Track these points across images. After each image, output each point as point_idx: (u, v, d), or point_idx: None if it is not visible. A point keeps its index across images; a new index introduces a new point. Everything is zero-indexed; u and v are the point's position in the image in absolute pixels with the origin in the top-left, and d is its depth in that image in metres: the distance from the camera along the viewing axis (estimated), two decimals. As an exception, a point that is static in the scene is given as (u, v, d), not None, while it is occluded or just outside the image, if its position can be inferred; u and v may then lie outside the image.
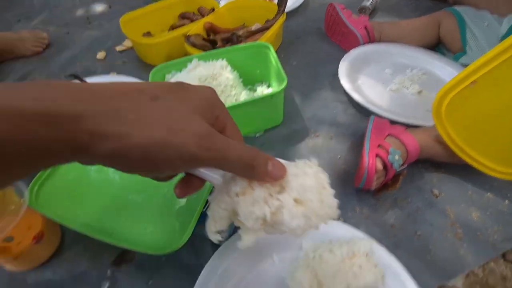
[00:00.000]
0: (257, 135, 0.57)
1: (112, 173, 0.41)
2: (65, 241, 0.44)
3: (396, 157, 0.42)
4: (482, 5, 0.58)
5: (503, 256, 0.39)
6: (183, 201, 0.36)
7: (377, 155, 0.42)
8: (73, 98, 0.17)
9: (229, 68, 0.58)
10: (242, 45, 0.60)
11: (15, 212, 0.36)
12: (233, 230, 0.40)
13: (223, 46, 0.74)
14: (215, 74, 0.55)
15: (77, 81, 0.60)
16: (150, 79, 0.54)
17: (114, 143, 0.17)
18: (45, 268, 0.42)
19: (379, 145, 0.44)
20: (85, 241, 0.35)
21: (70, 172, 0.42)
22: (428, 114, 0.57)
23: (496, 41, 0.54)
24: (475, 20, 0.59)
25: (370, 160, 0.41)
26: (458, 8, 0.64)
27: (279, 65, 0.54)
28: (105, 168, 0.40)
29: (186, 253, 0.41)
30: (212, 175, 0.23)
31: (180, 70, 0.56)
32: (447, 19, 0.64)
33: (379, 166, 0.41)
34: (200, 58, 0.58)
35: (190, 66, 0.56)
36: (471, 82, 0.31)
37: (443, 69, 0.65)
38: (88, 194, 0.40)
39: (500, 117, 0.34)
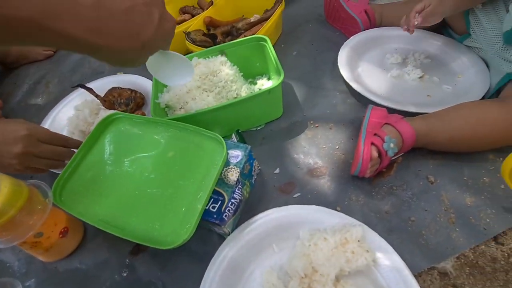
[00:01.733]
0: (258, 128, 0.59)
1: (125, 174, 0.44)
2: (87, 235, 0.49)
3: (391, 145, 0.43)
4: None
5: (495, 239, 0.41)
6: (187, 199, 0.40)
7: (372, 143, 0.43)
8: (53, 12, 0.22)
9: (228, 63, 0.59)
10: (239, 39, 0.61)
11: (42, 211, 0.41)
12: (236, 224, 0.44)
13: (223, 39, 0.75)
14: (215, 70, 0.57)
15: (83, 90, 0.63)
16: (153, 85, 0.57)
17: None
18: (72, 258, 0.47)
19: (375, 134, 0.45)
20: (105, 234, 0.39)
21: (88, 172, 0.46)
22: (428, 100, 0.57)
23: (499, 25, 0.52)
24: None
25: (365, 148, 0.43)
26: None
27: (276, 58, 0.55)
28: (119, 169, 0.45)
29: (196, 244, 0.45)
30: (152, 68, 0.38)
31: (181, 70, 0.58)
32: None
33: (374, 153, 0.43)
34: (199, 56, 0.59)
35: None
36: None
37: (446, 52, 0.64)
38: (104, 192, 0.44)
39: None
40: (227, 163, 0.44)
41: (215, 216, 0.40)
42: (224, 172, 0.43)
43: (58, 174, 0.45)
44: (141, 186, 0.43)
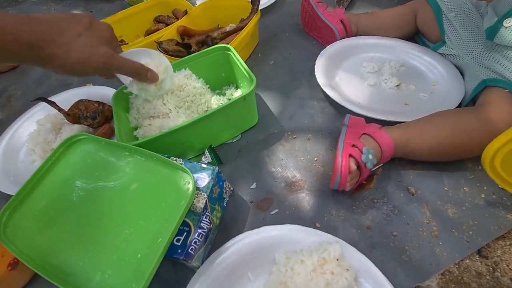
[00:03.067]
0: (235, 140, 0.56)
1: (80, 206, 0.40)
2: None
3: (370, 156, 0.41)
4: None
5: (479, 252, 0.39)
6: (145, 243, 0.35)
7: (350, 155, 0.41)
8: (35, 32, 0.33)
9: (193, 76, 0.57)
10: (202, 51, 0.59)
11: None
12: (207, 255, 0.40)
13: (198, 49, 0.72)
14: (181, 85, 0.54)
15: (45, 104, 0.59)
16: (113, 101, 0.54)
17: (58, 61, 0.35)
18: (23, 293, 0.42)
19: (353, 145, 0.43)
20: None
21: (41, 200, 0.40)
22: (406, 108, 0.57)
23: (476, 31, 0.52)
24: (452, 7, 0.57)
25: (343, 161, 0.41)
26: (433, -5, 0.62)
27: (244, 65, 0.53)
28: (75, 200, 0.40)
29: (166, 271, 0.41)
30: (125, 78, 0.47)
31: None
32: (423, 8, 0.62)
33: (353, 166, 0.41)
34: None
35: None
36: None
37: (421, 60, 0.64)
38: (54, 227, 0.38)
39: None
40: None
41: (179, 251, 0.36)
42: (190, 197, 0.39)
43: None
44: (97, 222, 0.38)
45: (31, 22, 0.33)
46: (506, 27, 0.45)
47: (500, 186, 0.39)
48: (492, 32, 0.47)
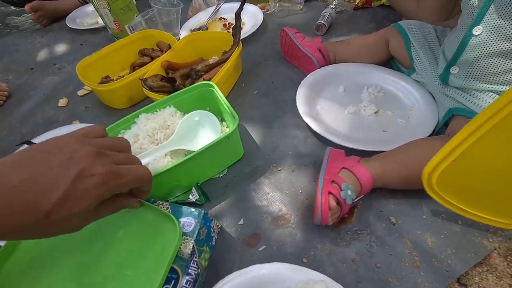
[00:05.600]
0: (221, 175, 0.58)
1: (65, 257, 0.40)
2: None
3: (349, 192, 0.43)
4: (421, 16, 0.59)
5: (458, 280, 0.41)
6: None
7: (329, 192, 0.43)
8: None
9: (178, 113, 0.58)
10: (186, 88, 0.61)
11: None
12: None
13: (183, 83, 0.74)
14: (166, 123, 0.55)
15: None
16: None
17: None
18: None
19: (332, 181, 0.45)
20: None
21: (29, 253, 0.40)
22: (384, 135, 0.59)
23: (435, 63, 0.55)
24: (418, 37, 0.61)
25: (323, 198, 0.42)
26: (403, 23, 0.66)
27: (227, 103, 0.55)
28: (59, 250, 0.40)
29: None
30: None
31: (129, 128, 0.56)
32: (394, 36, 0.66)
33: (332, 203, 0.42)
34: (147, 111, 0.58)
35: (138, 121, 0.56)
36: (452, 161, 0.34)
37: (397, 85, 0.67)
38: (38, 281, 0.38)
39: (493, 181, 0.36)
40: (179, 233, 0.41)
41: None
42: (176, 244, 0.40)
43: None
44: (81, 274, 0.38)
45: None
46: (454, 74, 0.48)
47: (446, 206, 0.40)
48: (444, 78, 0.51)
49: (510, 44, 0.41)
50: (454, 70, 0.48)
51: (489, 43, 0.42)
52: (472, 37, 0.44)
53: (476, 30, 0.43)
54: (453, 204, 0.39)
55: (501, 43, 0.41)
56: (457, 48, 0.46)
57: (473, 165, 0.34)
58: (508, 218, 0.39)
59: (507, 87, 0.45)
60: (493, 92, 0.47)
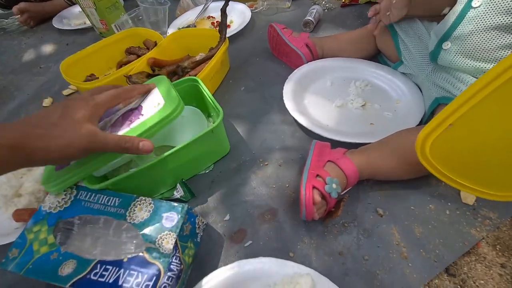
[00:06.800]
0: (207, 171, 0.56)
1: None
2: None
3: (334, 185, 0.42)
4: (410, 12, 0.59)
5: (446, 270, 0.40)
6: None
7: (314, 187, 0.42)
8: (13, 133, 0.33)
9: None
10: (172, 83, 0.59)
11: None
12: None
13: (169, 80, 0.73)
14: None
15: None
16: None
17: (39, 153, 0.34)
18: None
19: (317, 175, 0.44)
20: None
21: None
22: (371, 128, 0.58)
23: (426, 52, 0.55)
24: (406, 29, 0.61)
25: (307, 193, 0.41)
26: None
27: (211, 97, 0.54)
28: None
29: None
30: None
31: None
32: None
33: (317, 198, 0.41)
34: None
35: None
36: (448, 125, 0.32)
37: (384, 79, 0.67)
38: None
39: (487, 150, 0.34)
40: (161, 229, 0.40)
41: None
42: (158, 240, 0.39)
43: None
44: None
45: (5, 128, 0.33)
46: (445, 50, 0.48)
47: (437, 176, 0.37)
48: (434, 55, 0.50)
49: (507, 17, 0.41)
50: (446, 45, 0.48)
51: (487, 16, 0.42)
52: (471, 10, 0.43)
53: (476, 3, 0.43)
54: (444, 174, 0.37)
55: (498, 16, 0.41)
56: (453, 21, 0.45)
57: (469, 132, 0.32)
58: (502, 189, 0.36)
59: (496, 60, 0.45)
60: (480, 72, 0.47)
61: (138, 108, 0.49)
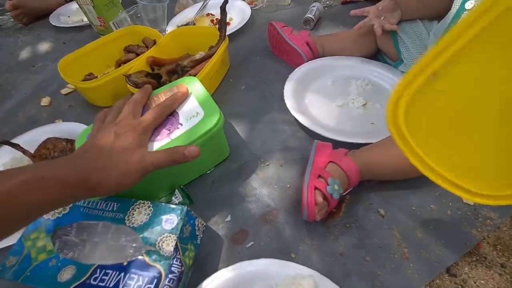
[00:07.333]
0: (208, 171, 0.56)
1: None
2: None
3: (336, 186, 0.42)
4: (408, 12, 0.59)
5: (447, 271, 0.40)
6: None
7: (316, 188, 0.42)
8: (76, 169, 0.35)
9: None
10: (168, 84, 0.59)
11: None
12: None
13: (169, 79, 0.72)
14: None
15: (8, 146, 0.57)
16: (77, 144, 0.52)
17: (103, 187, 0.36)
18: None
19: (319, 176, 0.44)
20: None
21: None
22: (373, 128, 0.58)
23: (424, 50, 0.55)
24: (405, 28, 0.60)
25: (308, 194, 0.41)
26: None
27: (210, 97, 0.53)
28: None
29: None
30: None
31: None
32: (381, 29, 0.65)
33: (319, 199, 0.41)
34: None
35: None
36: (431, 75, 0.23)
37: (385, 78, 0.66)
38: None
39: (479, 116, 0.24)
40: (161, 231, 0.40)
41: None
42: (158, 243, 0.38)
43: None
44: None
45: (68, 163, 0.35)
46: None
47: (409, 157, 0.28)
48: None
49: None
50: None
51: None
52: (464, 12, 0.44)
53: (468, 5, 0.43)
54: (419, 157, 0.28)
55: None
56: (449, 23, 0.46)
57: (457, 87, 0.24)
58: (491, 180, 0.26)
59: None
60: None
61: (174, 115, 0.49)
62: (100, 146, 0.38)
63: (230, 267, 0.41)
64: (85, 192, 0.35)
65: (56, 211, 0.44)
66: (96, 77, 0.77)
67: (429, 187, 0.48)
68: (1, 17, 1.28)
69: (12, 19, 1.21)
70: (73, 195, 0.34)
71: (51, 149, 0.60)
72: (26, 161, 0.60)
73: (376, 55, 0.72)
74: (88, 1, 0.89)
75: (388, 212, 0.46)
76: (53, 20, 1.12)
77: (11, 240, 0.48)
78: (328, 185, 0.42)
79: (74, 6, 1.19)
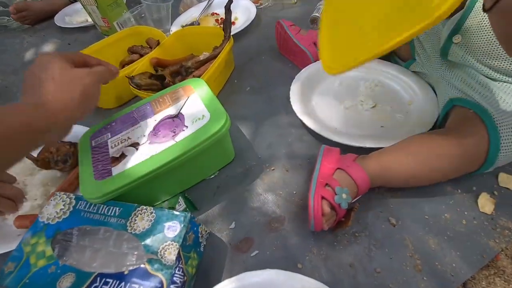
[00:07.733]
0: (212, 176, 0.55)
1: None
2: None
3: (344, 195, 0.40)
4: None
5: (464, 285, 0.38)
6: None
7: (323, 197, 0.40)
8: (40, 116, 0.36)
9: None
10: (175, 85, 0.57)
11: None
12: None
13: (173, 80, 0.71)
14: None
15: None
16: (79, 147, 0.51)
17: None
18: None
19: (326, 184, 0.42)
20: None
21: None
22: (382, 131, 0.56)
23: (439, 46, 0.53)
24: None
25: (315, 204, 0.39)
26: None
27: (216, 100, 0.51)
28: None
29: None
30: None
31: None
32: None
33: (326, 209, 0.39)
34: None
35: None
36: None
37: (396, 79, 0.64)
38: None
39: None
40: (163, 239, 0.38)
41: None
42: (160, 251, 0.37)
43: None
44: None
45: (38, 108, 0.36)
46: (456, 43, 0.46)
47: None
48: (444, 50, 0.48)
49: None
50: (456, 39, 0.46)
51: None
52: (478, 1, 0.42)
53: None
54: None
55: None
56: (462, 14, 0.44)
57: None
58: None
59: (508, 59, 0.43)
60: (492, 70, 0.44)
61: (179, 116, 0.48)
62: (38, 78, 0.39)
63: (234, 278, 0.39)
64: (43, 122, 0.36)
65: (56, 215, 0.43)
66: (100, 78, 0.76)
67: (443, 195, 0.46)
68: (7, 18, 1.28)
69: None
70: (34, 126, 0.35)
71: (54, 153, 0.59)
72: (29, 164, 0.59)
73: (386, 56, 0.69)
74: (92, 1, 0.88)
75: (400, 220, 0.44)
76: (58, 20, 1.12)
77: (11, 246, 0.47)
78: (335, 194, 0.40)
79: (79, 6, 1.19)
